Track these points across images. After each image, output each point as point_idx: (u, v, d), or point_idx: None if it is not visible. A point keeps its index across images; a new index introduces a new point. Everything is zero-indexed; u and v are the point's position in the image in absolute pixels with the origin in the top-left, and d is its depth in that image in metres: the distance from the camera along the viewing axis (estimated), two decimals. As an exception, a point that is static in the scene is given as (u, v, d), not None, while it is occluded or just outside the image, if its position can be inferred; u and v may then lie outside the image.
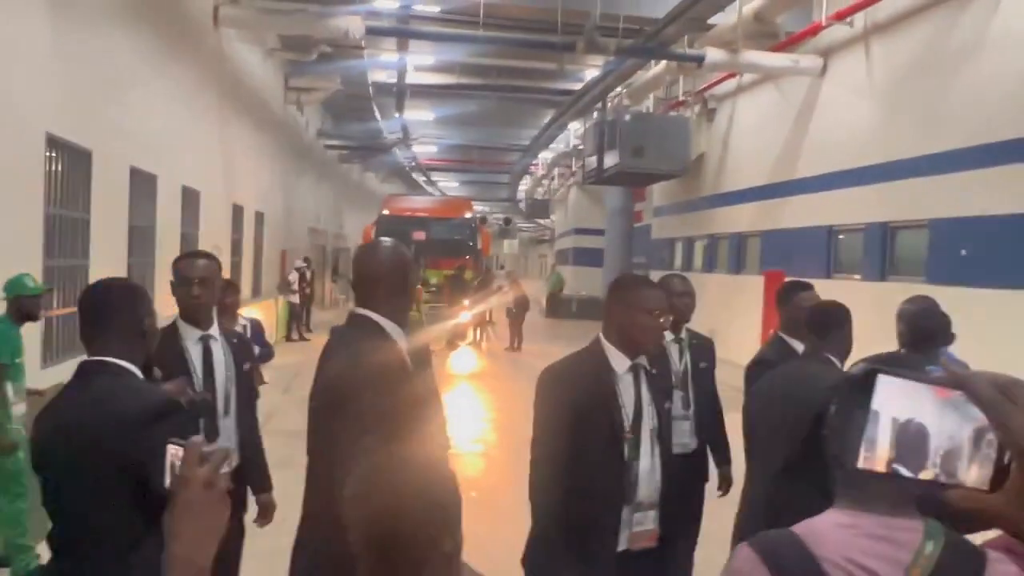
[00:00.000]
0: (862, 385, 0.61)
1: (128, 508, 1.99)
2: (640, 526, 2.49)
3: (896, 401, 0.60)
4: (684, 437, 3.58)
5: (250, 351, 3.17)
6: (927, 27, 9.60)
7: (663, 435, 2.58)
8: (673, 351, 3.64)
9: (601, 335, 2.63)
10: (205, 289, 2.94)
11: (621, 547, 2.47)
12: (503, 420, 9.32)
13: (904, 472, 0.62)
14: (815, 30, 11.67)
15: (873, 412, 0.60)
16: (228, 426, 2.93)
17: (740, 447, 3.36)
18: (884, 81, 10.46)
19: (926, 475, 0.61)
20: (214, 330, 3.02)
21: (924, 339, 3.26)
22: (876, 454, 0.61)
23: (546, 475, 2.47)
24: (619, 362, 2.57)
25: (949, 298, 7.07)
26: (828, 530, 1.16)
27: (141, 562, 1.98)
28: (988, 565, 1.14)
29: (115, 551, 1.99)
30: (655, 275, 4.09)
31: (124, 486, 1.97)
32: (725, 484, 3.83)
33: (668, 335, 3.56)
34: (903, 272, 10.01)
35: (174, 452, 1.21)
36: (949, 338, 3.33)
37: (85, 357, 2.13)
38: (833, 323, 3.11)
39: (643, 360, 2.61)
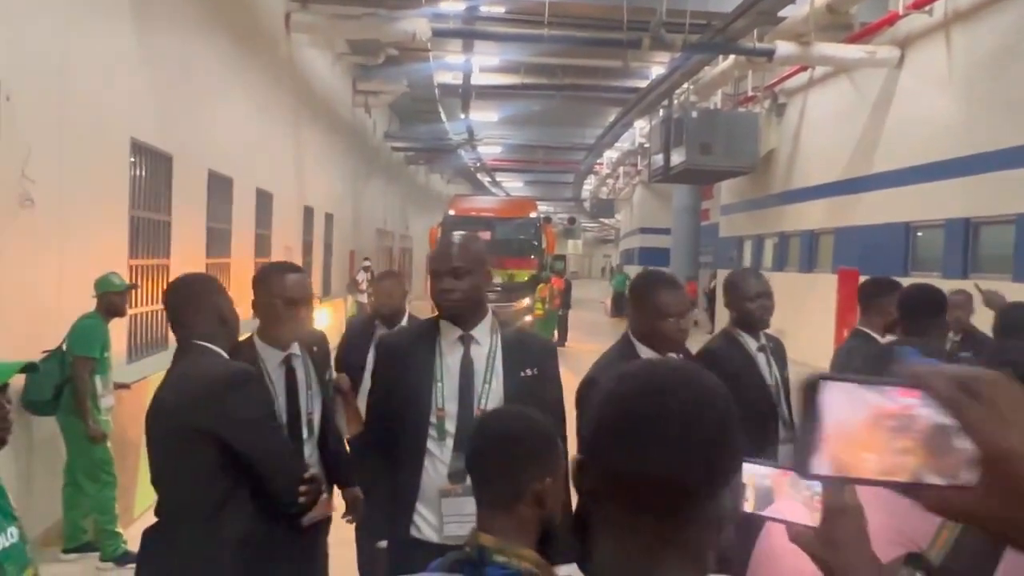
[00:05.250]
0: (809, 392, 0.59)
1: (209, 475, 2.18)
2: None
3: (841, 406, 0.58)
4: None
5: (328, 358, 2.97)
6: (1012, 13, 9.17)
7: None
8: (761, 362, 3.11)
9: (629, 332, 2.69)
10: (309, 310, 2.78)
11: None
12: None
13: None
14: (892, 20, 11.29)
15: (818, 419, 0.58)
16: (310, 445, 2.69)
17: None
18: (966, 71, 10.04)
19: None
20: (295, 347, 2.71)
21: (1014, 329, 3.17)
22: (823, 460, 0.59)
23: None
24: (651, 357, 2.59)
25: (1039, 296, 6.74)
26: (867, 499, 1.17)
27: (226, 527, 2.17)
28: None
29: (201, 517, 2.18)
30: (722, 274, 3.78)
31: (202, 454, 2.17)
32: None
33: (752, 343, 3.12)
34: (987, 270, 9.59)
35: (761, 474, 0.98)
36: None
37: (172, 349, 2.40)
38: (926, 310, 3.08)
39: (672, 356, 2.59)
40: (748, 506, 0.97)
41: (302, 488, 2.34)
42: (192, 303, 2.36)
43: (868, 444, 0.59)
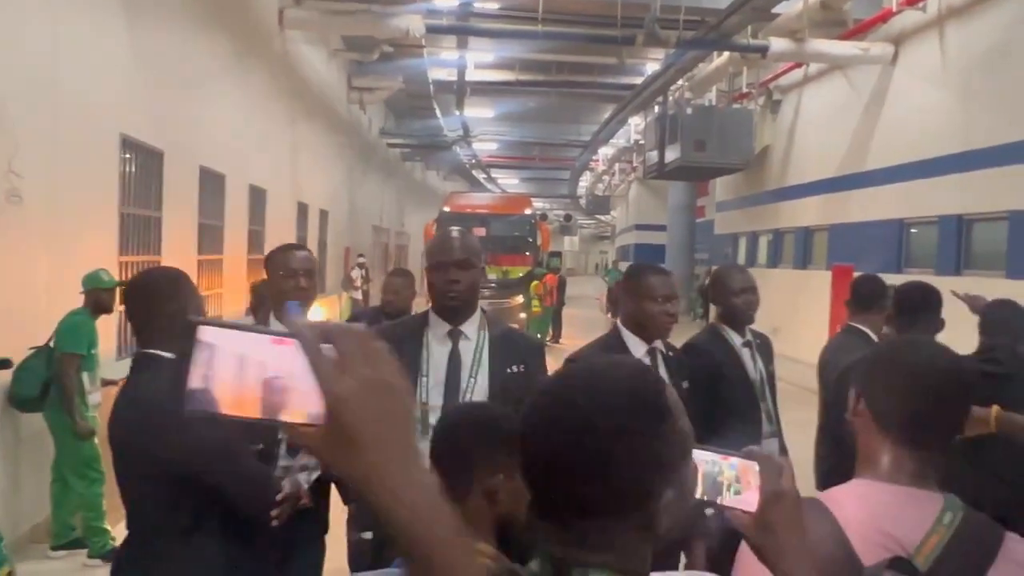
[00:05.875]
0: (188, 334, 0.65)
1: (176, 499, 1.97)
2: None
3: (219, 348, 0.65)
4: None
5: None
6: (1006, 10, 9.18)
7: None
8: (746, 357, 3.14)
9: (619, 322, 2.81)
10: (309, 281, 2.83)
11: None
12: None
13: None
14: (886, 16, 11.29)
15: (197, 360, 0.65)
16: None
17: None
18: (960, 68, 10.04)
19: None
20: None
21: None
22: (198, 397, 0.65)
23: None
24: (636, 347, 2.72)
25: (1030, 292, 6.74)
26: (852, 497, 1.17)
27: (194, 556, 1.97)
28: (1005, 541, 1.14)
29: (166, 543, 2.00)
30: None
31: (162, 481, 1.96)
32: None
33: (737, 339, 3.14)
34: (980, 266, 9.60)
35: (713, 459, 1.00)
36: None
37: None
38: (924, 306, 3.09)
39: (659, 344, 2.75)
40: (698, 493, 0.99)
41: (274, 512, 2.19)
42: (150, 304, 2.11)
43: (237, 384, 0.65)
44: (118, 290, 5.10)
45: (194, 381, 0.64)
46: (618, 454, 0.83)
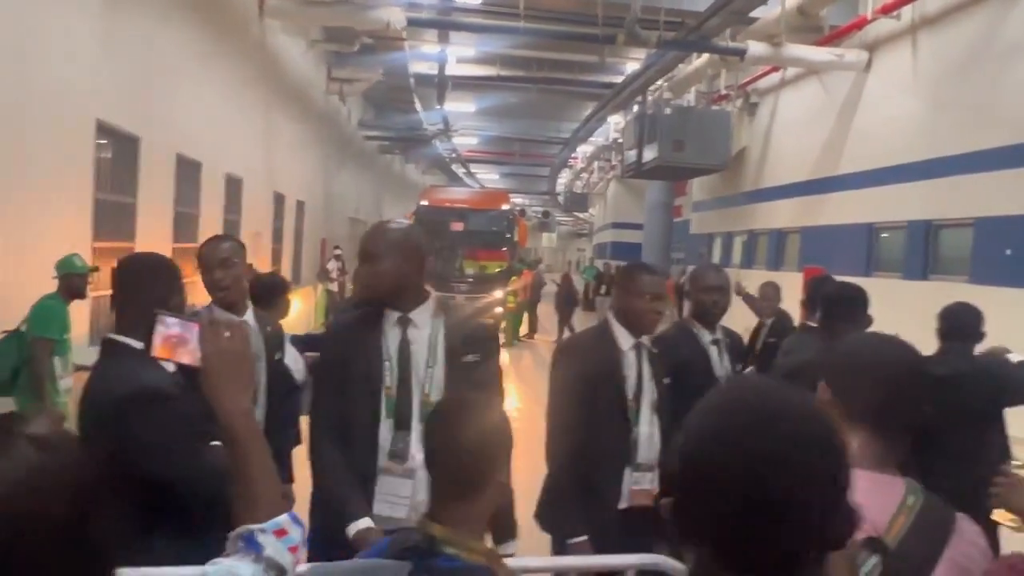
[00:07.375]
0: (162, 318, 1.30)
1: (125, 498, 1.85)
2: (638, 485, 2.73)
3: (174, 327, 1.29)
4: None
5: (282, 341, 3.07)
6: (977, 21, 9.38)
7: (661, 407, 2.81)
8: (712, 354, 3.18)
9: (610, 315, 2.90)
10: (226, 271, 2.86)
11: (623, 504, 2.73)
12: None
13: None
14: (861, 24, 11.48)
15: (167, 329, 1.29)
16: (258, 419, 2.82)
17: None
18: (931, 76, 10.24)
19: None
20: (249, 316, 2.96)
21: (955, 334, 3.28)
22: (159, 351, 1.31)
23: (560, 438, 2.71)
24: (624, 340, 2.83)
25: (993, 299, 6.96)
26: None
27: (150, 560, 1.84)
28: (958, 521, 1.27)
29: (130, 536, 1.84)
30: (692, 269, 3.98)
31: (114, 474, 1.86)
32: None
33: (706, 336, 3.20)
34: (946, 271, 9.82)
35: None
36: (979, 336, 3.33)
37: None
38: (842, 304, 3.18)
39: (645, 340, 2.85)
40: None
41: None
42: (134, 290, 2.08)
43: (177, 345, 1.28)
44: (91, 275, 5.09)
45: (157, 345, 1.28)
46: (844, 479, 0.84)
